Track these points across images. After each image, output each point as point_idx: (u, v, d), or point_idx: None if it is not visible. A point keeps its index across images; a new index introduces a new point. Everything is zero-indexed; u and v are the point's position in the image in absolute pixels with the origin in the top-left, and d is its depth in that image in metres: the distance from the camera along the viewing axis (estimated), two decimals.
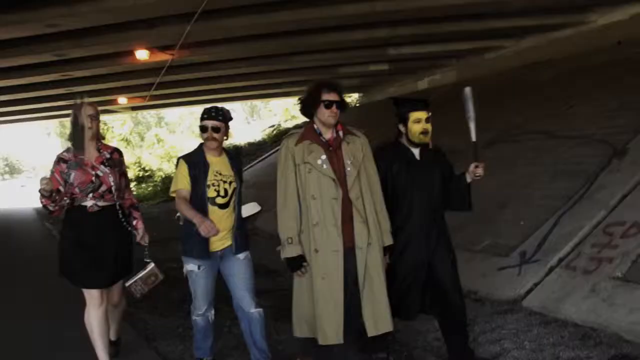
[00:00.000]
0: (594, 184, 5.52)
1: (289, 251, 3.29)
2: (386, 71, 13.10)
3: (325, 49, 11.19)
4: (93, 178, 3.60)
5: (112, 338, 3.98)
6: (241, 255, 3.62)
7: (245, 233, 3.71)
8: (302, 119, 15.51)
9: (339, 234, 3.23)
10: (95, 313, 3.66)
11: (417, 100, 3.78)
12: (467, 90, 3.61)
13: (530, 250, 5.06)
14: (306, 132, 3.38)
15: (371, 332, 3.26)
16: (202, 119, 3.61)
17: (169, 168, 22.63)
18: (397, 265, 3.54)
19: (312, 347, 3.34)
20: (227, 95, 16.51)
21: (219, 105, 3.75)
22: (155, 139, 27.13)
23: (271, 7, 8.40)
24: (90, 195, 3.59)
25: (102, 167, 3.66)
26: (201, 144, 3.66)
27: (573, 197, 5.52)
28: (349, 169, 3.30)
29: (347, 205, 3.26)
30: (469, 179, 3.62)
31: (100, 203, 3.63)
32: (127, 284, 3.82)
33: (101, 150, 3.74)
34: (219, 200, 3.54)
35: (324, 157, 3.28)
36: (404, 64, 12.71)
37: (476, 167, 3.55)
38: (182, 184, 3.56)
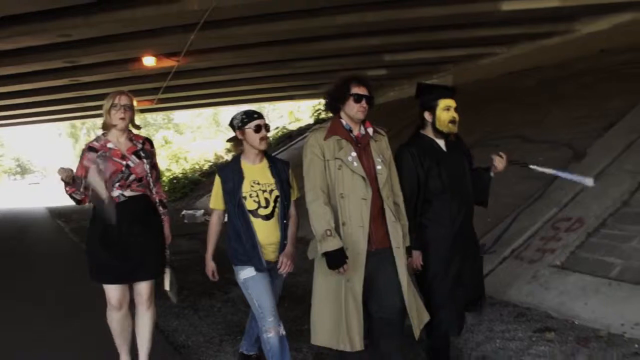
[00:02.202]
0: (552, 184, 6.26)
1: (329, 244, 3.05)
2: (384, 76, 13.83)
3: (325, 56, 11.95)
4: (123, 168, 3.52)
5: None
6: (283, 273, 3.53)
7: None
8: (306, 121, 16.49)
9: (364, 236, 3.13)
10: (115, 314, 3.61)
11: (446, 87, 3.69)
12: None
13: (489, 243, 5.81)
14: (334, 127, 3.27)
15: (417, 332, 3.21)
16: (250, 119, 3.46)
17: (177, 169, 23.55)
18: (432, 265, 3.47)
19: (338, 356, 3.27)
20: (232, 99, 17.35)
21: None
22: (163, 140, 28.16)
23: (270, 18, 9.16)
24: (117, 185, 3.51)
25: (133, 157, 3.58)
26: (238, 156, 3.57)
27: (533, 196, 6.27)
28: (379, 167, 3.22)
29: (376, 205, 3.17)
30: (492, 173, 3.66)
31: (127, 193, 3.53)
32: (166, 288, 3.75)
33: (133, 140, 3.66)
34: (262, 212, 3.42)
35: (354, 154, 3.19)
36: (401, 69, 13.45)
37: (500, 156, 3.61)
38: (215, 202, 3.56)
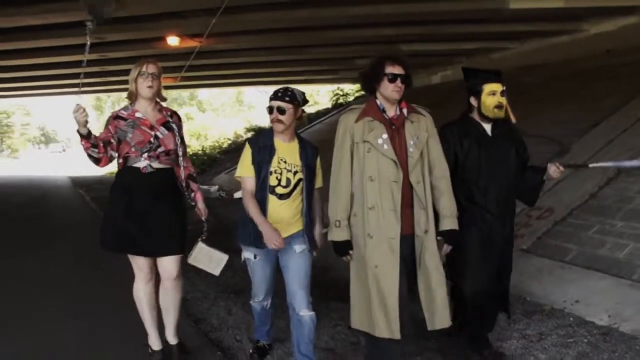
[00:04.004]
0: None
1: (336, 235, 3.22)
2: None
3: (342, 43, 12.54)
4: (152, 138, 3.48)
5: (172, 340, 3.73)
6: (297, 248, 3.48)
7: (314, 234, 3.58)
8: (324, 105, 17.21)
9: (397, 219, 3.10)
10: (143, 286, 3.62)
11: (491, 71, 3.63)
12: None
13: None
14: (368, 108, 3.25)
15: (429, 326, 3.20)
16: (269, 99, 3.49)
17: (197, 145, 24.38)
18: (471, 250, 3.47)
19: (366, 340, 3.34)
20: (253, 80, 18.09)
21: (290, 86, 3.57)
22: (186, 117, 29.05)
23: (287, 5, 9.72)
24: (145, 154, 3.46)
25: (162, 128, 3.53)
26: (271, 129, 3.54)
27: None
28: (411, 149, 3.17)
29: (407, 189, 3.15)
30: (545, 177, 3.61)
31: (155, 165, 3.49)
32: (189, 261, 3.72)
33: (162, 111, 3.62)
34: (279, 190, 3.44)
35: (385, 136, 3.15)
36: (417, 59, 13.93)
37: (557, 168, 3.54)
38: (246, 170, 3.48)
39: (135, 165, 3.49)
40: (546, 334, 4.15)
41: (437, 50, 12.92)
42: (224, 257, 3.78)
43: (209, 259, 3.75)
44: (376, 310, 3.10)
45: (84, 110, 3.28)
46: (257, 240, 3.44)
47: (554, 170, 3.54)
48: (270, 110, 3.45)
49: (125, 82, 3.64)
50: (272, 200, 3.43)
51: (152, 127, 3.51)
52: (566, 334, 4.12)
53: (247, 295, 5.38)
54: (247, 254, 3.58)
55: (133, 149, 3.48)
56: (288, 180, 3.44)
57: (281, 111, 3.41)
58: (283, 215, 3.44)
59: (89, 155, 3.42)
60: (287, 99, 3.43)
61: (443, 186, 3.25)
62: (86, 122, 3.30)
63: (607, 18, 9.94)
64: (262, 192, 3.43)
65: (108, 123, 3.55)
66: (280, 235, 3.36)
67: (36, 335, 4.36)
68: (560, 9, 9.42)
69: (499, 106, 3.49)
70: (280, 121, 3.42)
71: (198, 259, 3.73)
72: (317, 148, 3.62)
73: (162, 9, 10.08)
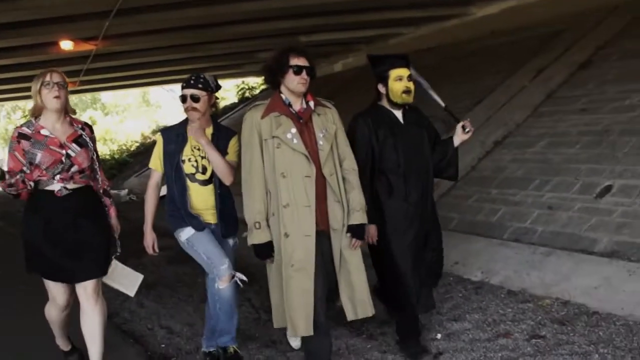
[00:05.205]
0: None
1: (256, 237, 3.18)
2: None
3: (239, 38, 12.90)
4: (63, 158, 3.27)
5: None
6: (230, 241, 3.63)
7: (234, 216, 3.66)
8: (231, 100, 17.52)
9: (312, 215, 3.12)
10: (57, 313, 3.53)
11: (397, 56, 3.65)
12: (412, 72, 3.65)
13: None
14: (273, 102, 3.24)
15: (350, 316, 3.29)
16: (181, 88, 3.48)
17: (104, 150, 24.06)
18: (398, 242, 3.52)
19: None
20: (155, 80, 18.16)
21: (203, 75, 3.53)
22: (91, 121, 28.50)
23: (181, 5, 9.93)
24: (58, 177, 3.27)
25: (74, 145, 3.33)
26: (186, 119, 3.56)
27: None
28: (321, 142, 3.20)
29: (320, 183, 3.18)
30: (456, 142, 3.70)
31: (70, 186, 3.30)
32: (105, 281, 3.55)
33: (73, 125, 3.41)
34: (199, 177, 3.51)
35: (294, 130, 3.16)
36: (317, 49, 14.52)
37: (463, 127, 3.64)
38: (154, 162, 3.59)
39: (49, 188, 3.30)
40: None
41: (337, 39, 13.53)
42: (139, 277, 3.74)
43: (124, 277, 3.68)
44: (292, 310, 3.17)
45: None
46: (197, 224, 3.50)
47: (459, 132, 3.69)
48: (184, 99, 3.45)
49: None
50: (195, 188, 3.50)
51: (62, 146, 3.30)
52: (445, 292, 4.81)
53: (159, 288, 5.83)
54: (187, 230, 3.52)
55: (44, 172, 3.27)
56: (204, 167, 3.50)
57: (195, 99, 3.43)
58: (213, 202, 3.52)
59: (8, 193, 3.27)
60: (200, 86, 3.44)
61: (352, 179, 3.31)
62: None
63: (491, 1, 10.89)
64: (180, 181, 3.48)
65: (13, 147, 3.29)
66: (154, 242, 3.62)
67: None
68: None
69: (406, 91, 3.54)
70: (195, 109, 3.43)
71: (113, 277, 3.60)
72: (233, 131, 3.66)
73: (47, 14, 9.95)
